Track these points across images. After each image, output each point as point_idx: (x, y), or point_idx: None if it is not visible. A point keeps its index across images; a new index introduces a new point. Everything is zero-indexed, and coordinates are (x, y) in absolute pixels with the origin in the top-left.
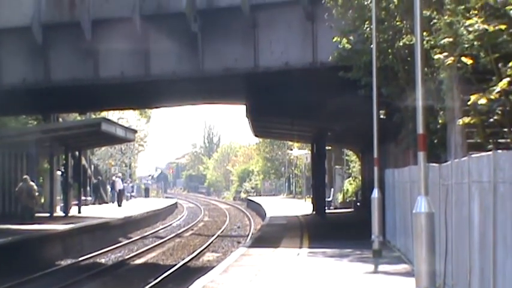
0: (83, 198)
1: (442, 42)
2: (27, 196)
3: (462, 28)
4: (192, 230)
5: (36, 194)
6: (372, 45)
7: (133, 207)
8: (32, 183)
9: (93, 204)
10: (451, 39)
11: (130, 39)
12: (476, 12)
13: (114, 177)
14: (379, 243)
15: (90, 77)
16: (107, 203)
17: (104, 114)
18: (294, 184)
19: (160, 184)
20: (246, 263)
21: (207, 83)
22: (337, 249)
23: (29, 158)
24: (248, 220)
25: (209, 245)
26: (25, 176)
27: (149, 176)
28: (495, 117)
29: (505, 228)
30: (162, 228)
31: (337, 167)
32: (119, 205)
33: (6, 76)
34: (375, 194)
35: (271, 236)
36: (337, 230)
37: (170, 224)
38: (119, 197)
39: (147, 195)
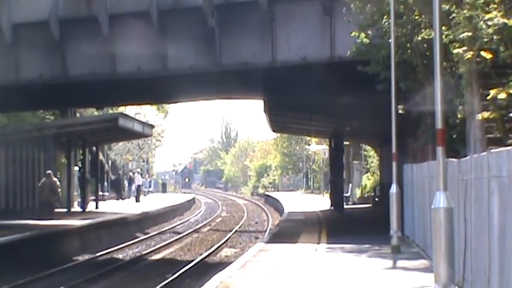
0: (100, 193)
1: (461, 36)
2: (49, 192)
3: (481, 22)
4: (210, 225)
5: (59, 190)
6: (390, 40)
7: (151, 203)
8: (55, 179)
9: (114, 199)
10: (470, 34)
11: (148, 34)
12: (495, 6)
13: (131, 173)
14: (397, 238)
15: (108, 72)
16: (125, 198)
17: (121, 109)
18: (311, 179)
19: (183, 179)
20: (264, 259)
21: (224, 78)
22: (356, 244)
23: (46, 153)
24: (266, 215)
25: (227, 240)
26: (48, 171)
27: (173, 171)
28: None
29: None
30: (179, 224)
31: (355, 162)
32: (137, 200)
33: (23, 71)
34: (393, 189)
35: (289, 231)
36: (355, 225)
37: (188, 220)
38: (137, 192)
39: (164, 190)
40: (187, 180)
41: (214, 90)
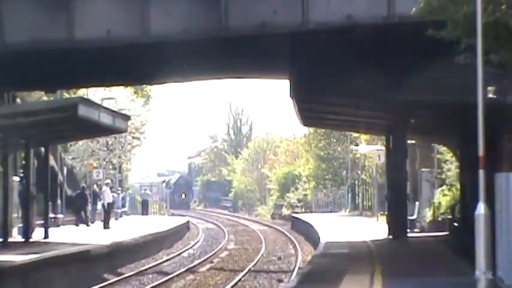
0: (51, 215)
1: None
2: None
3: None
4: (212, 262)
5: None
6: None
7: (126, 229)
8: None
9: (73, 224)
10: None
11: None
12: None
13: (96, 186)
14: (487, 282)
15: (62, 38)
16: (88, 223)
17: (82, 92)
18: (360, 195)
19: (177, 195)
20: None
21: (232, 47)
22: None
23: None
24: (293, 248)
25: (235, 285)
26: None
27: (163, 182)
28: None
29: None
30: (167, 260)
31: (424, 170)
32: (106, 226)
33: None
34: (481, 209)
35: (327, 271)
36: (424, 263)
37: (179, 253)
38: (105, 214)
39: (145, 211)
40: (183, 196)
41: (218, 65)
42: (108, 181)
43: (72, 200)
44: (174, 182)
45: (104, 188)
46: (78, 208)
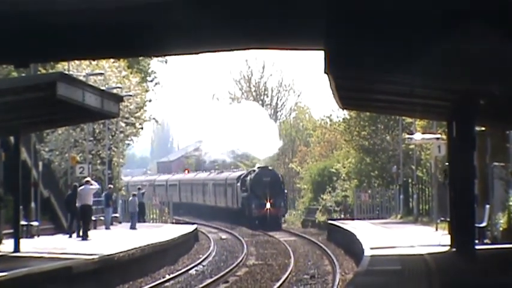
0: (23, 223)
1: None
2: None
3: None
4: (227, 282)
5: None
6: None
7: (116, 240)
8: None
9: (50, 233)
10: None
11: None
12: None
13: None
14: None
15: None
16: (72, 231)
17: (62, 67)
18: (415, 197)
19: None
20: None
21: (255, 9)
22: None
23: None
24: (330, 264)
25: None
26: None
27: (238, 178)
28: None
29: None
30: (170, 279)
31: (496, 164)
32: (83, 236)
33: None
34: None
35: None
36: (498, 284)
37: (185, 270)
38: (83, 219)
39: (141, 217)
40: (268, 205)
41: (237, 31)
42: (88, 178)
43: (47, 201)
44: (252, 178)
45: (84, 186)
46: (72, 213)
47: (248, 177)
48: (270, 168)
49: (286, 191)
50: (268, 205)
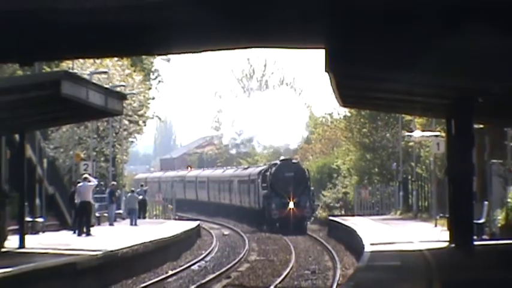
0: (28, 219)
1: None
2: None
3: None
4: (229, 277)
5: None
6: None
7: (119, 236)
8: None
9: (55, 229)
10: None
11: None
12: None
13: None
14: None
15: None
16: (82, 228)
17: (67, 65)
18: (414, 194)
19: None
20: None
21: (255, 8)
22: None
23: None
24: (331, 259)
25: None
26: None
27: (259, 173)
28: None
29: None
30: (172, 275)
31: (494, 161)
32: (84, 231)
33: None
34: None
35: None
36: (496, 279)
37: (188, 266)
38: (84, 215)
39: (141, 213)
40: (291, 205)
41: (239, 31)
42: (86, 174)
43: (53, 198)
44: (272, 173)
45: (82, 183)
46: (61, 208)
47: (268, 172)
48: (293, 161)
49: (312, 188)
50: (291, 205)
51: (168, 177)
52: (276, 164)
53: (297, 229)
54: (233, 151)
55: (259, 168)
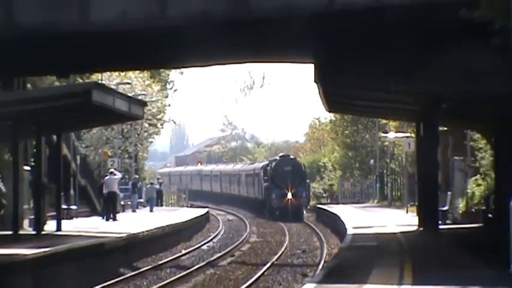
0: (64, 207)
1: None
2: None
3: None
4: (233, 255)
5: (3, 201)
6: None
7: (141, 221)
8: None
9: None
10: None
11: None
12: None
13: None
14: None
15: (75, 19)
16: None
17: (96, 77)
18: (389, 185)
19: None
20: None
21: (255, 30)
22: (457, 286)
23: None
24: (319, 240)
25: (258, 278)
26: None
27: (262, 167)
28: None
29: None
30: (185, 254)
31: (456, 158)
32: (110, 217)
33: None
34: None
35: (354, 265)
36: (456, 256)
37: (198, 246)
38: (111, 204)
39: (159, 201)
40: (289, 195)
41: (241, 48)
42: (112, 169)
43: (84, 189)
44: (272, 167)
45: (109, 176)
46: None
47: (269, 167)
48: (291, 157)
49: (308, 180)
50: (289, 195)
51: (188, 171)
52: (275, 159)
53: (294, 217)
54: (236, 149)
55: (262, 164)
